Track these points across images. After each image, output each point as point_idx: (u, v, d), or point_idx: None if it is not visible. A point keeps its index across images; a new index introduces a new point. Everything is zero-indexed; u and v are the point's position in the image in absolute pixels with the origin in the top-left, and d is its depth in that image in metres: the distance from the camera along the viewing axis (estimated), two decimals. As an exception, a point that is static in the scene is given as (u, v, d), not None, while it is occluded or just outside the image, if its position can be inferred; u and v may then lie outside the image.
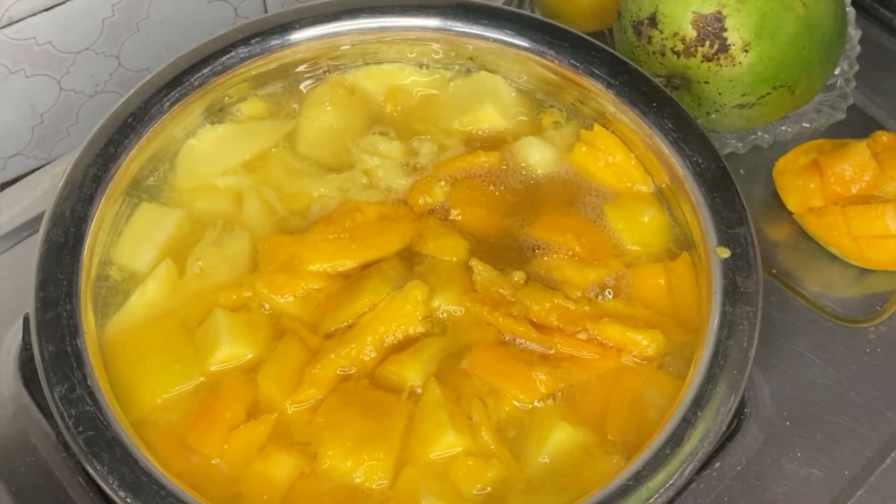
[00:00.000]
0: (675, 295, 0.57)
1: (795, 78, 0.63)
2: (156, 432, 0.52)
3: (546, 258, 0.58)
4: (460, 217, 0.60)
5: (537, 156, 0.62)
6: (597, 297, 0.57)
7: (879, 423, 0.58)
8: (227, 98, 0.63)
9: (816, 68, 0.64)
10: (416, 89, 0.66)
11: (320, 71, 0.65)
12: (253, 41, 0.62)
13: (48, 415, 0.56)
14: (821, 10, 0.62)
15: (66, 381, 0.50)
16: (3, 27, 0.67)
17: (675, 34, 0.62)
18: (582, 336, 0.55)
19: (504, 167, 0.62)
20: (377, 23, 0.64)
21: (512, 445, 0.53)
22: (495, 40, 0.63)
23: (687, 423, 0.50)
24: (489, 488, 0.51)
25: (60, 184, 0.56)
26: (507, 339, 0.55)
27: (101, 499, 0.54)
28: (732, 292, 0.54)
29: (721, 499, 0.55)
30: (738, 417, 0.58)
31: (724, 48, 0.61)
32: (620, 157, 0.62)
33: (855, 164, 0.64)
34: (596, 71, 0.62)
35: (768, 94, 0.63)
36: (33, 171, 0.69)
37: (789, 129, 0.69)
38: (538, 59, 0.63)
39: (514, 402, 0.54)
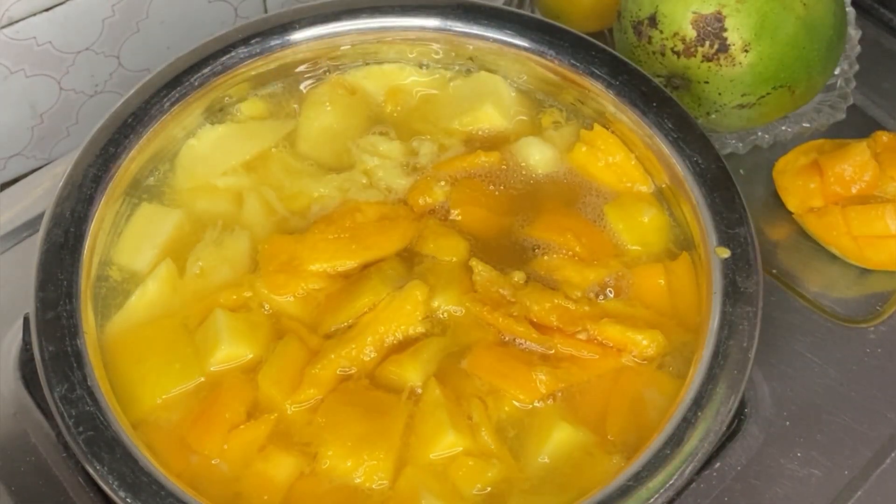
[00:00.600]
0: (675, 295, 0.57)
1: (795, 78, 0.63)
2: (156, 432, 0.52)
3: (546, 258, 0.58)
4: (460, 217, 0.60)
5: (537, 156, 0.62)
6: (597, 297, 0.57)
7: (879, 423, 0.58)
8: (227, 98, 0.63)
9: (816, 68, 0.63)
10: (416, 89, 0.65)
11: (320, 71, 0.65)
12: (253, 41, 0.62)
13: (48, 415, 0.56)
14: (821, 10, 0.62)
15: (66, 381, 0.50)
16: (4, 27, 0.67)
17: (675, 34, 0.62)
18: (582, 336, 0.55)
19: (504, 167, 0.62)
20: (377, 23, 0.64)
21: (512, 445, 0.52)
22: (495, 40, 0.63)
23: (687, 423, 0.50)
24: (489, 488, 0.51)
25: (60, 184, 0.56)
26: (507, 339, 0.55)
27: (101, 499, 0.54)
28: (732, 292, 0.54)
29: (721, 499, 0.55)
30: (739, 417, 0.58)
31: (724, 48, 0.61)
32: (620, 157, 0.61)
33: (855, 165, 0.64)
34: (596, 71, 0.61)
35: (768, 94, 0.63)
36: (33, 171, 0.69)
37: (789, 130, 0.69)
38: (538, 59, 0.63)
39: (514, 402, 0.53)
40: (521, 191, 0.61)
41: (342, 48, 0.64)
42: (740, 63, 0.61)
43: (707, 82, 0.63)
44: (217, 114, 0.63)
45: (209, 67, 0.61)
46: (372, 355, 0.54)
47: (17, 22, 0.68)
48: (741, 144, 0.68)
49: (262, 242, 0.58)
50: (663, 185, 0.60)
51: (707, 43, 0.61)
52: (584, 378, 0.54)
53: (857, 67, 0.70)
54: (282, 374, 0.53)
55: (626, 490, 0.48)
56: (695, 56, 0.62)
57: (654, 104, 0.60)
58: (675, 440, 0.50)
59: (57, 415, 0.49)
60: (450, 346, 0.55)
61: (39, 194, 0.65)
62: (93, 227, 0.56)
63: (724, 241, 0.56)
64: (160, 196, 0.60)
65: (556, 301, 0.55)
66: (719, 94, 0.63)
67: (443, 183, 0.61)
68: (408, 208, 0.60)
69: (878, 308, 0.63)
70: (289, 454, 0.51)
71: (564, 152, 0.62)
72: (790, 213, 0.66)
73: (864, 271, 0.64)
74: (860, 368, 0.60)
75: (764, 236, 0.66)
